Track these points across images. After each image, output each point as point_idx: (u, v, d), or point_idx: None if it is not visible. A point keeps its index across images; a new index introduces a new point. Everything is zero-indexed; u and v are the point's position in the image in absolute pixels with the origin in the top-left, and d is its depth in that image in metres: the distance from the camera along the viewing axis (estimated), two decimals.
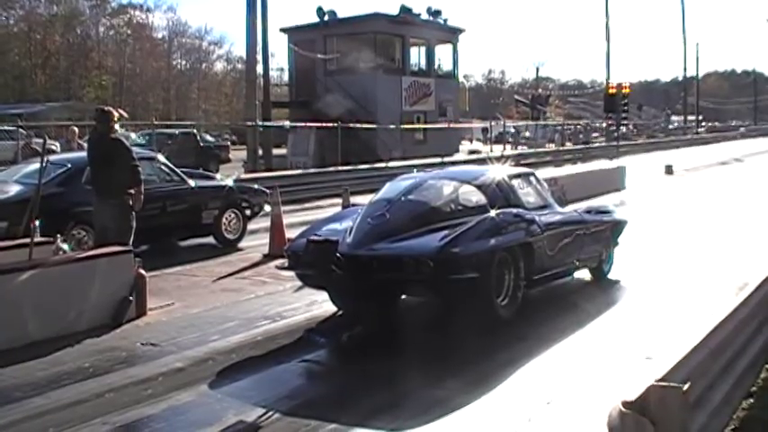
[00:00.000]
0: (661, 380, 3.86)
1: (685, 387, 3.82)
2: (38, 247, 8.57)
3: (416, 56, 43.85)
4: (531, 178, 9.86)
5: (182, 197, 13.01)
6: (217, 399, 6.18)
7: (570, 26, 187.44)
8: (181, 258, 12.20)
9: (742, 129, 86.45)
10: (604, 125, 53.64)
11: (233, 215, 13.74)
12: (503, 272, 8.14)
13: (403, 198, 8.67)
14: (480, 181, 9.11)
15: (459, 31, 45.70)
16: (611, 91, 32.19)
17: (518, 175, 9.66)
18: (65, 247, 9.20)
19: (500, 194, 8.90)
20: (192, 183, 13.27)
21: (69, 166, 11.67)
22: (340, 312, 8.80)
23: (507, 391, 6.29)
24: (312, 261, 7.95)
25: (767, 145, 52.16)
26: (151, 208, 11.06)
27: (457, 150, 42.31)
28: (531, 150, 44.26)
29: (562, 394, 6.14)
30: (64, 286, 7.97)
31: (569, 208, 10.63)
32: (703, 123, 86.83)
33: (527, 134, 55.24)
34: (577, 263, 9.74)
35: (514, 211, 8.69)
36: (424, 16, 43.46)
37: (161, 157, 13.60)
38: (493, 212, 8.38)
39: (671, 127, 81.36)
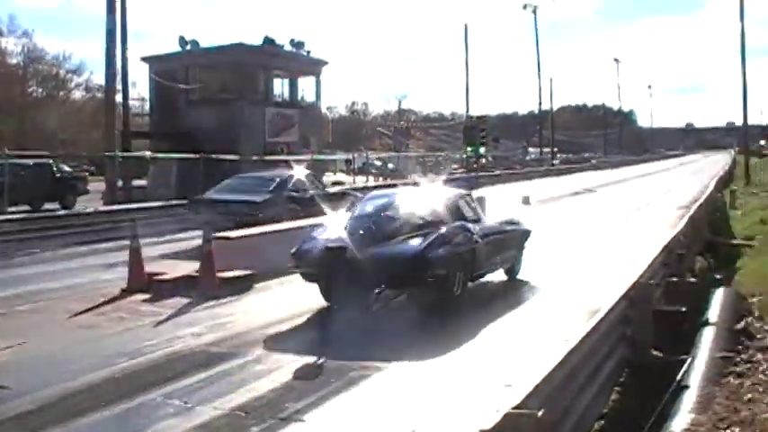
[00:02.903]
0: (517, 407, 3.95)
1: (540, 413, 3.93)
2: None
3: (280, 87, 43.85)
4: (468, 198, 12.51)
5: None
6: None
7: (432, 59, 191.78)
8: (34, 294, 11.69)
9: (594, 161, 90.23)
10: (464, 156, 54.84)
11: None
12: (457, 270, 10.48)
13: (382, 214, 11.26)
14: (436, 200, 11.75)
15: (323, 63, 45.97)
16: (470, 123, 33.08)
17: (461, 196, 12.37)
18: None
19: (452, 211, 11.46)
20: None
21: None
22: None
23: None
24: (327, 263, 10.06)
25: (616, 176, 54.69)
26: None
27: None
28: (396, 182, 44.75)
29: (426, 424, 6.19)
30: None
31: (492, 220, 12.96)
32: (558, 155, 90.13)
33: (390, 165, 55.93)
34: (499, 264, 12.17)
35: (464, 224, 11.19)
36: (288, 48, 43.51)
37: None
38: (448, 226, 10.85)
39: (528, 158, 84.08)
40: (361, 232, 10.72)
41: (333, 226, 11.37)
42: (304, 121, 42.95)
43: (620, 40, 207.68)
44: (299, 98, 44.60)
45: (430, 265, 10.11)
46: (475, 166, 42.72)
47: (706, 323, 11.25)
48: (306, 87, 45.62)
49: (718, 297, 13.32)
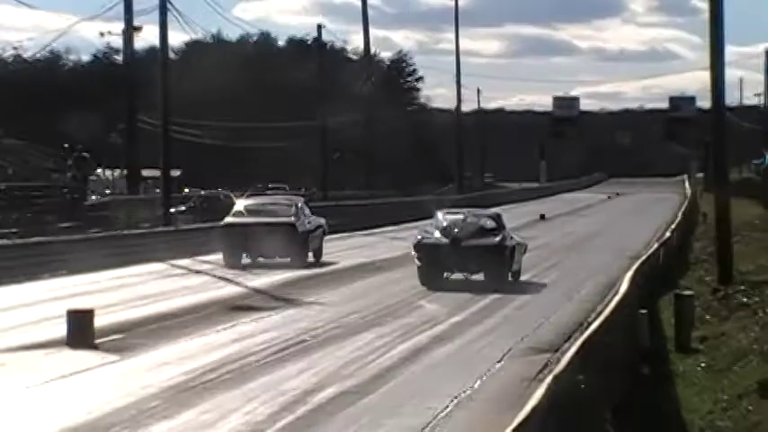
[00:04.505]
0: None
1: None
2: None
3: None
4: (500, 214, 34.14)
5: None
6: None
7: None
8: None
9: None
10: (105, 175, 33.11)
11: None
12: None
13: (463, 223, 31.43)
14: (493, 215, 33.56)
15: None
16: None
17: (500, 214, 34.36)
18: None
19: (502, 223, 32.43)
20: None
21: None
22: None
23: None
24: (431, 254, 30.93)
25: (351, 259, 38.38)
26: None
27: None
28: None
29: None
30: None
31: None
32: (187, 192, 63.28)
33: None
34: (515, 265, 31.52)
35: (509, 232, 32.72)
36: None
37: None
38: (503, 232, 31.76)
39: (95, 198, 56.83)
40: (453, 234, 29.80)
41: (431, 231, 31.00)
42: None
43: None
44: None
45: (502, 251, 29.63)
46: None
47: None
48: None
49: None
